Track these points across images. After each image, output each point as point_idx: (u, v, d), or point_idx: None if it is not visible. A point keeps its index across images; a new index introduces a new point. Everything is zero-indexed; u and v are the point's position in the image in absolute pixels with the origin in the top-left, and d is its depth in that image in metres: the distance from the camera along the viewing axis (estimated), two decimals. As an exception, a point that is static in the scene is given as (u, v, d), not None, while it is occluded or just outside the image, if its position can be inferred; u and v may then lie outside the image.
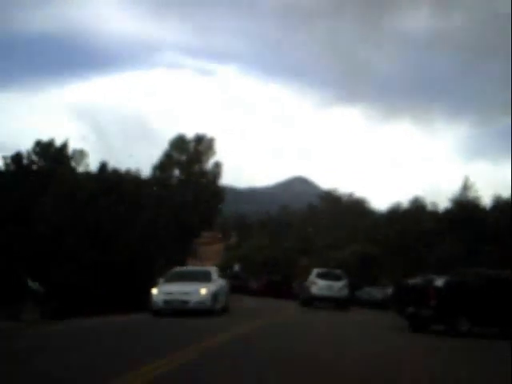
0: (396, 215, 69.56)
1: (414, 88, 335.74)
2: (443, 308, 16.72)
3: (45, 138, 41.24)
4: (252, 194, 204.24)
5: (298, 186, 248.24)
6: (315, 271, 31.94)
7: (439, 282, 26.54)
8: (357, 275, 49.26)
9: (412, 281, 33.08)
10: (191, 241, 38.00)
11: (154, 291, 18.77)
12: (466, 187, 62.40)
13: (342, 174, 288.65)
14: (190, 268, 22.74)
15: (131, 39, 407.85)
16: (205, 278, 19.65)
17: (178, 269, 21.52)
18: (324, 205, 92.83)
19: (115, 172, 31.00)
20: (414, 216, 64.60)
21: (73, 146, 40.32)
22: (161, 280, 20.04)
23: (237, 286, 52.41)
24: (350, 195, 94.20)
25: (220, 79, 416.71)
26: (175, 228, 30.01)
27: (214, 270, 21.36)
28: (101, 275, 22.85)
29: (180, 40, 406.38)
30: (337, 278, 30.42)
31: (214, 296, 18.75)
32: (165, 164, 37.40)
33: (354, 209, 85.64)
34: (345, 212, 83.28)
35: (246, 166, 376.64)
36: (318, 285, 29.76)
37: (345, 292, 29.84)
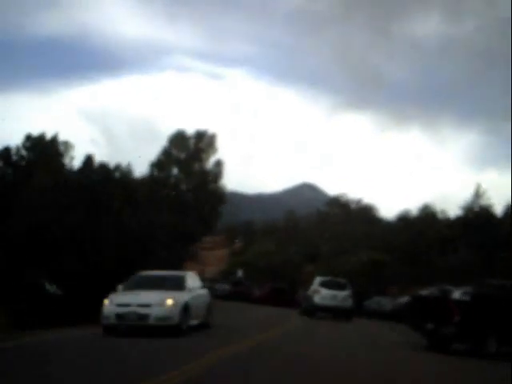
0: (406, 222, 67.53)
1: (424, 95, 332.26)
2: (468, 325, 14.40)
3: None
4: (260, 200, 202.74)
5: (306, 192, 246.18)
6: (318, 279, 30.48)
7: (457, 293, 24.12)
8: (365, 283, 47.08)
9: (426, 292, 30.95)
10: (190, 244, 35.73)
11: (106, 302, 14.65)
12: (478, 194, 60.64)
13: (350, 181, 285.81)
14: (159, 272, 17.25)
15: (141, 42, 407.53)
16: (176, 285, 15.50)
17: (143, 273, 16.87)
18: (332, 210, 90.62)
19: (103, 167, 28.68)
20: (426, 222, 62.52)
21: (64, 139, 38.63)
22: (120, 287, 15.82)
23: (239, 293, 50.24)
24: (359, 201, 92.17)
25: (230, 84, 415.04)
26: (171, 229, 27.90)
27: (190, 276, 16.96)
28: (84, 279, 20.64)
29: (191, 43, 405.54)
30: (341, 288, 29.16)
31: (185, 309, 14.70)
32: (163, 162, 35.19)
33: (363, 215, 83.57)
34: (353, 218, 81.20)
35: (254, 171, 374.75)
36: (322, 294, 28.35)
37: (349, 302, 28.56)
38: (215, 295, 52.63)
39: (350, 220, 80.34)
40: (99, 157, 35.84)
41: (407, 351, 15.26)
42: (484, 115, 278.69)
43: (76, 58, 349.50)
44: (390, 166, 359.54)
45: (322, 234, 75.14)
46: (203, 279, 63.78)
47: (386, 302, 36.79)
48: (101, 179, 22.92)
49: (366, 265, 52.15)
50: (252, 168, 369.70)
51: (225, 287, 52.45)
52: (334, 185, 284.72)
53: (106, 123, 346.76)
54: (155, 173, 34.50)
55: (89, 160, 30.34)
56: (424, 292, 29.71)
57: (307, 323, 24.59)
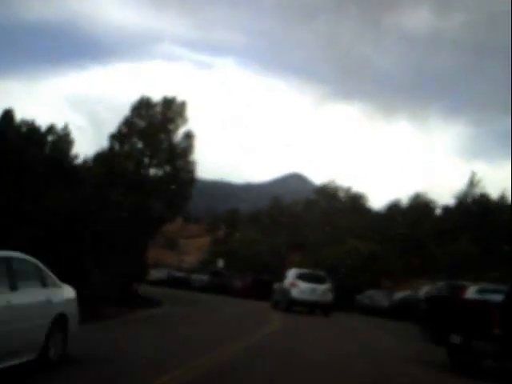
0: (398, 211, 63.79)
1: (412, 86, 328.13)
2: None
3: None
4: (247, 190, 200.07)
5: (294, 182, 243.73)
6: (294, 272, 28.36)
7: (472, 291, 19.94)
8: (356, 275, 42.95)
9: (430, 288, 26.80)
10: (155, 229, 30.94)
11: None
12: (472, 183, 57.26)
13: (338, 171, 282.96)
14: None
15: (130, 30, 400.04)
16: None
17: None
18: (321, 198, 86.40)
19: (29, 127, 23.39)
20: (421, 211, 58.63)
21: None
22: None
23: (218, 285, 45.75)
24: (348, 190, 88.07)
25: (218, 73, 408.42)
26: (129, 210, 23.37)
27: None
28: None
29: (179, 32, 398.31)
30: (320, 281, 27.23)
31: None
32: (124, 133, 30.11)
33: (353, 204, 79.65)
34: (342, 206, 77.30)
35: (242, 161, 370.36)
36: (300, 287, 26.32)
37: (329, 296, 26.67)
38: (192, 287, 48.70)
39: (339, 208, 76.52)
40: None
41: (430, 373, 10.91)
42: (472, 107, 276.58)
43: (63, 45, 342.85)
44: (378, 157, 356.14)
45: (310, 222, 70.98)
46: (179, 269, 58.96)
47: (380, 297, 32.70)
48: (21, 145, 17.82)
49: (355, 255, 47.91)
50: (240, 158, 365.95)
51: (202, 278, 47.96)
52: (322, 175, 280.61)
53: (95, 110, 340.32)
54: (116, 146, 29.71)
55: (7, 115, 24.91)
56: (429, 288, 25.64)
57: (288, 325, 20.00)
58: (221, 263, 55.97)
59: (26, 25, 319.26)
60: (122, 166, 27.50)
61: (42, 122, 34.99)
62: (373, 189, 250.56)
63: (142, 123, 29.80)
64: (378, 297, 33.04)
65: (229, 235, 74.90)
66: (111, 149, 28.99)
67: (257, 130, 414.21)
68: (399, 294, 31.02)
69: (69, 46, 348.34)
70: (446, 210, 58.45)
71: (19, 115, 26.17)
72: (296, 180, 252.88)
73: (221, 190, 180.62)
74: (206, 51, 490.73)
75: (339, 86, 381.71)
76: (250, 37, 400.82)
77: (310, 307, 26.90)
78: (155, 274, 51.21)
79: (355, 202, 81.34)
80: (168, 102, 30.06)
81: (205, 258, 64.97)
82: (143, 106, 29.96)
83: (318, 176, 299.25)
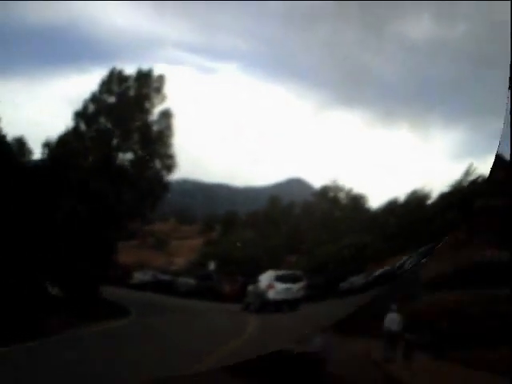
0: (397, 206, 60.36)
1: (413, 93, 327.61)
2: None
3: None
4: (248, 194, 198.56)
5: (295, 187, 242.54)
6: (271, 274, 26.17)
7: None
8: (357, 275, 39.39)
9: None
10: (127, 223, 27.17)
11: None
12: (468, 172, 54.27)
13: (339, 176, 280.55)
14: None
15: (132, 33, 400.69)
16: None
17: None
18: (321, 201, 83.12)
19: None
20: (419, 206, 55.15)
21: None
22: None
23: (206, 290, 42.28)
24: (349, 191, 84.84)
25: (220, 78, 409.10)
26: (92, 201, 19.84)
27: None
28: None
29: (182, 36, 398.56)
30: (295, 280, 25.49)
31: None
32: (91, 111, 26.35)
33: (354, 204, 76.44)
34: (343, 207, 74.04)
35: (242, 165, 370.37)
36: (277, 289, 25.12)
37: (300, 293, 24.75)
38: (178, 292, 45.00)
39: (339, 210, 73.29)
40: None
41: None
42: (471, 114, 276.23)
43: (66, 47, 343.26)
44: (378, 162, 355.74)
45: (308, 222, 67.75)
46: (166, 271, 55.38)
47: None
48: None
49: (354, 251, 44.33)
50: (240, 161, 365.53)
51: (189, 282, 44.34)
52: (322, 180, 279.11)
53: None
54: (82, 127, 25.92)
55: None
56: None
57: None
58: (212, 265, 52.46)
59: (25, 26, 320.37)
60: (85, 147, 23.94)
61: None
62: (372, 191, 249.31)
63: (111, 100, 26.16)
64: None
65: (223, 236, 71.53)
66: (76, 129, 25.32)
67: (257, 135, 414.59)
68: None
69: (70, 48, 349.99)
70: (443, 197, 55.36)
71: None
72: (297, 184, 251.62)
73: (220, 193, 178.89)
74: (209, 56, 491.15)
75: (340, 93, 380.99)
76: (251, 42, 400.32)
77: (282, 305, 25.89)
78: (139, 276, 47.50)
79: (356, 203, 78.44)
80: (143, 76, 26.31)
81: (196, 260, 61.49)
82: (114, 81, 26.24)
83: (318, 181, 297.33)
